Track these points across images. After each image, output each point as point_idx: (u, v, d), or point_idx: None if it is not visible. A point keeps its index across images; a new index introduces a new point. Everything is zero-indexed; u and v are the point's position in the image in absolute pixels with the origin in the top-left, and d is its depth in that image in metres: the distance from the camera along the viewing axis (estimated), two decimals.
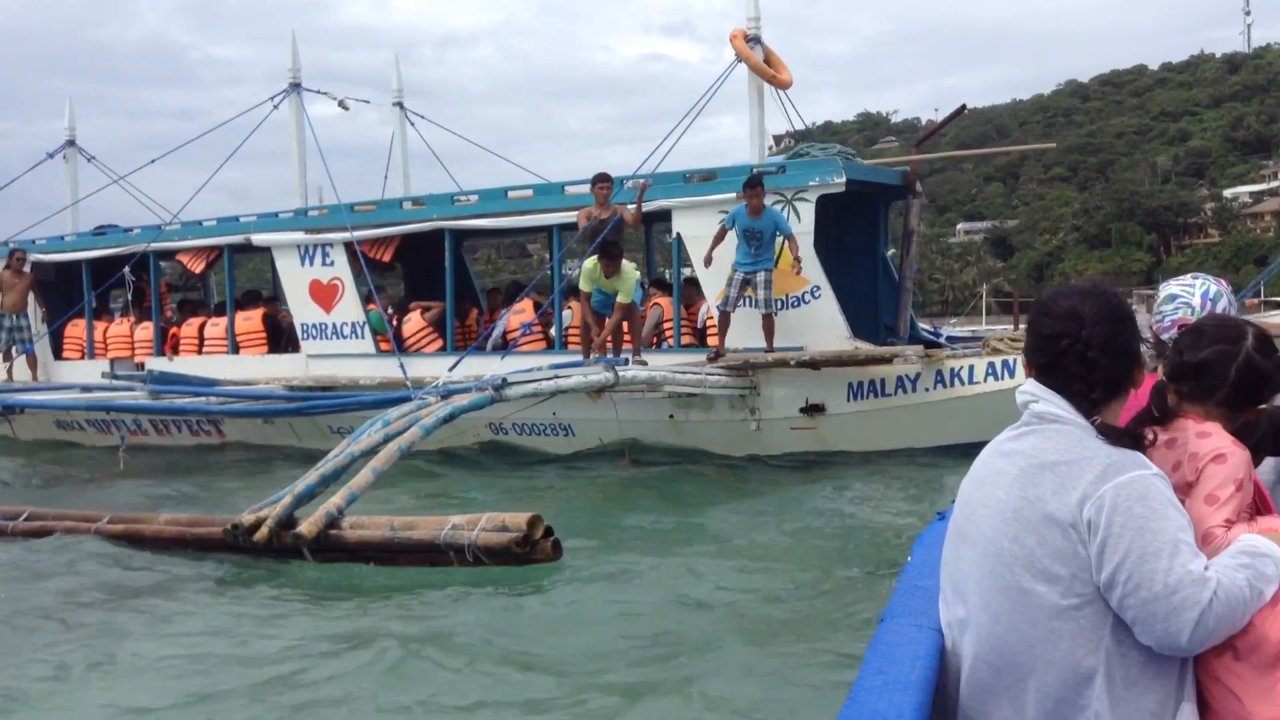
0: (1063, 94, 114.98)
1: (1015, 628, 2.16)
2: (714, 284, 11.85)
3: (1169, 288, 3.19)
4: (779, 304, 11.55)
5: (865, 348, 11.22)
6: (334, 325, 15.68)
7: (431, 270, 15.55)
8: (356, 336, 15.35)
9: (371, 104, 19.72)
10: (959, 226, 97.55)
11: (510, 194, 14.07)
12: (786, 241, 11.21)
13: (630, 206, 11.57)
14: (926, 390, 10.71)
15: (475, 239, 17.48)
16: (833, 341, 11.26)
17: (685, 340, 12.57)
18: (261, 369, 16.02)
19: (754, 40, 12.56)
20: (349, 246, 15.29)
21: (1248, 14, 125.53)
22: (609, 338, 11.44)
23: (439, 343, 14.82)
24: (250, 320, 16.69)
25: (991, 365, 10.37)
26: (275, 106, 17.30)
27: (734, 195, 11.65)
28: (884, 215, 13.49)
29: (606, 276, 11.18)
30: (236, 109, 17.61)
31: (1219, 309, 3.05)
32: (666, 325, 13.00)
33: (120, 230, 18.60)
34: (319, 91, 17.86)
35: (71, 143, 19.95)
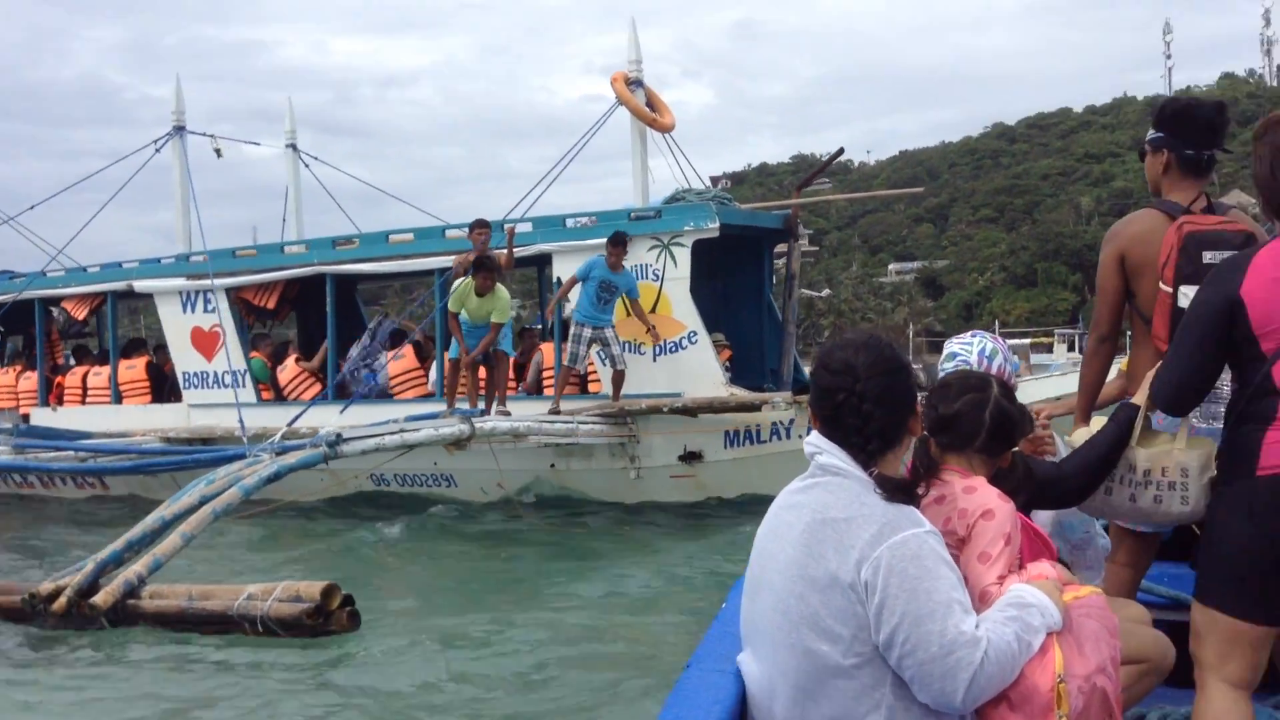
0: (990, 136, 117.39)
1: (800, 684, 2.20)
2: None
3: (950, 346, 3.26)
4: (658, 350, 11.24)
5: (740, 394, 10.92)
6: (215, 374, 15.24)
7: (324, 316, 15.05)
8: (238, 385, 14.80)
9: (262, 145, 19.20)
10: (890, 267, 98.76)
11: (391, 238, 13.67)
12: (631, 302, 11.03)
13: (503, 251, 11.22)
14: (800, 437, 10.38)
15: (363, 283, 16.98)
16: (709, 388, 10.94)
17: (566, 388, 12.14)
18: (144, 419, 15.44)
19: (635, 83, 12.38)
20: (230, 293, 14.93)
21: (1168, 58, 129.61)
22: (475, 367, 10.94)
23: (318, 388, 14.31)
24: (134, 369, 16.20)
25: None
26: (157, 149, 16.78)
27: None
28: (768, 259, 13.30)
29: (479, 295, 10.65)
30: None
31: (994, 366, 3.10)
32: (547, 372, 12.61)
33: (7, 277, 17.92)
34: (203, 134, 17.32)
35: None
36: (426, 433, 9.68)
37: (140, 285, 15.94)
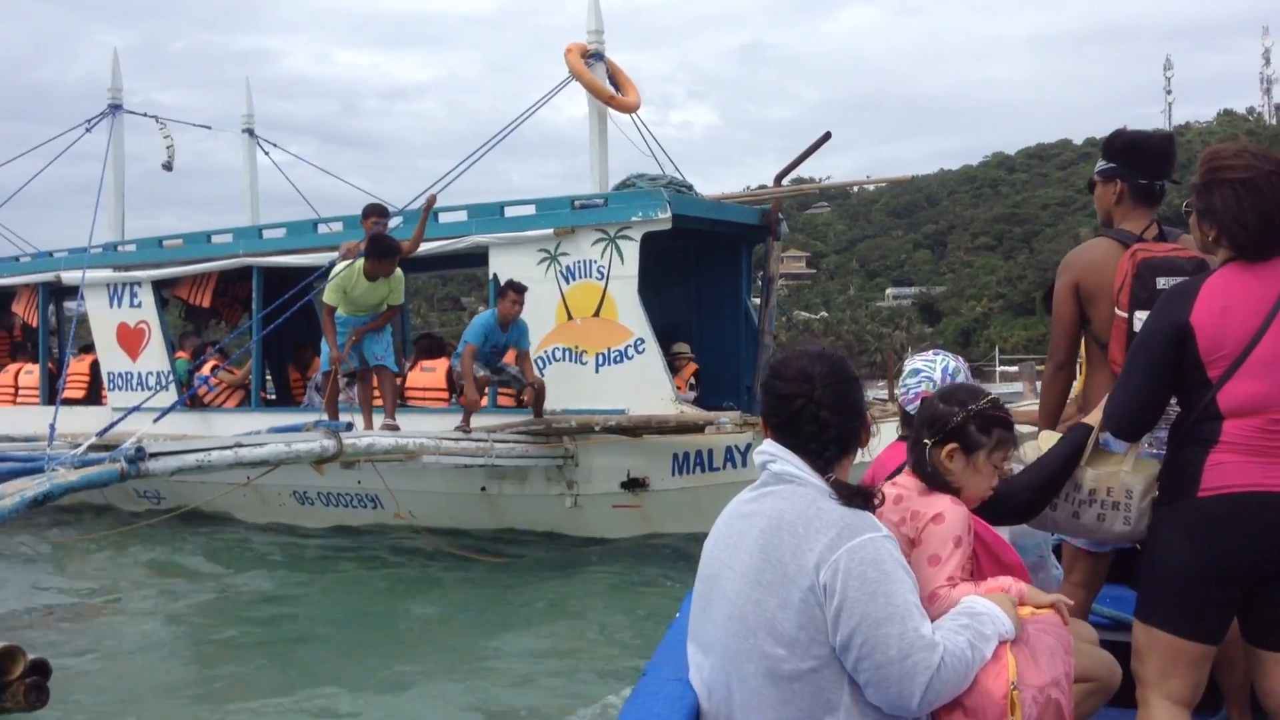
0: (990, 165, 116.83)
1: (757, 690, 2.21)
2: (533, 330, 10.07)
3: (913, 363, 3.35)
4: (600, 359, 9.85)
5: (689, 411, 9.50)
6: (139, 375, 14.04)
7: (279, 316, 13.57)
8: (162, 388, 13.53)
9: (214, 130, 17.97)
10: (888, 291, 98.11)
11: (320, 228, 12.36)
12: (521, 354, 9.69)
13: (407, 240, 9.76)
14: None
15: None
16: (656, 404, 9.51)
17: (503, 401, 10.72)
18: (69, 422, 14.16)
19: (595, 56, 10.99)
20: (156, 287, 13.77)
21: (1169, 93, 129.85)
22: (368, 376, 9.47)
23: (239, 397, 13.00)
24: (81, 364, 14.98)
25: None
26: (88, 129, 15.53)
27: (552, 231, 10.02)
28: (746, 261, 11.93)
29: (370, 278, 9.08)
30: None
31: (958, 381, 3.17)
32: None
33: None
34: (145, 115, 16.05)
35: None
36: (273, 449, 8.06)
37: (68, 277, 14.75)
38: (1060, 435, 3.06)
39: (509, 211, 10.54)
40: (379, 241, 9.05)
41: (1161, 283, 3.14)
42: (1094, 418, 2.94)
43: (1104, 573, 3.53)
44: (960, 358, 3.33)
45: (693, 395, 10.66)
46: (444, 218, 10.81)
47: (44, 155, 16.01)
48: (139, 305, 14.01)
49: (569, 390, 9.79)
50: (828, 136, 10.54)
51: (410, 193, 10.28)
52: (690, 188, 10.63)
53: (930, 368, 3.26)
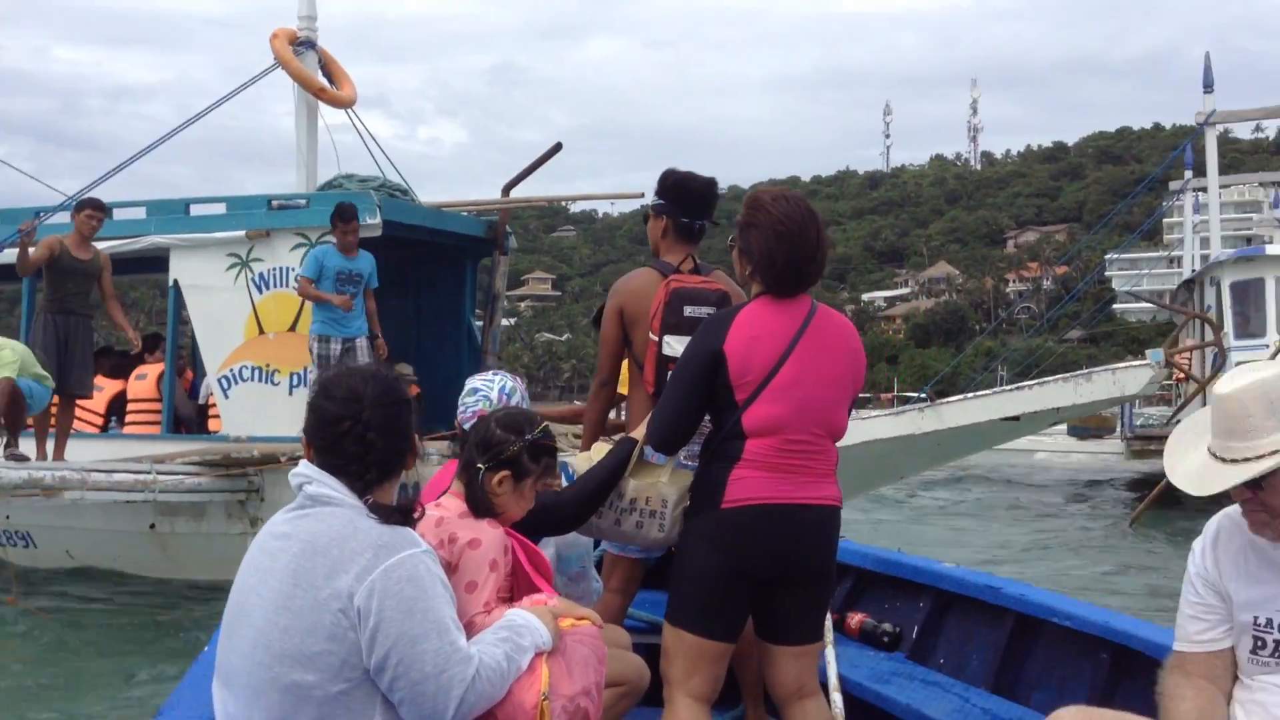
0: (728, 198, 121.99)
1: (281, 718, 2.12)
2: (218, 345, 8.77)
3: (473, 382, 3.38)
4: (295, 380, 8.71)
5: None
6: None
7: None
8: None
9: None
10: None
11: (194, 208, 10.15)
12: (368, 293, 8.58)
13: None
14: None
15: None
16: None
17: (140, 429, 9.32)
18: None
19: (305, 45, 9.87)
20: None
21: (888, 137, 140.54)
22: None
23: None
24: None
25: None
26: None
27: (244, 234, 8.80)
28: (471, 276, 11.11)
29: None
30: None
31: (514, 402, 3.28)
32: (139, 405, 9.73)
33: None
34: None
35: None
36: None
37: None
38: (610, 448, 3.19)
39: (195, 210, 9.20)
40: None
41: (688, 310, 3.41)
42: (639, 432, 3.10)
43: (639, 578, 3.71)
44: (519, 378, 3.42)
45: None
46: (119, 214, 9.37)
47: None
48: None
49: (257, 415, 8.57)
50: (558, 148, 9.92)
51: (131, 196, 8.90)
52: (407, 193, 9.67)
53: (489, 387, 3.30)
